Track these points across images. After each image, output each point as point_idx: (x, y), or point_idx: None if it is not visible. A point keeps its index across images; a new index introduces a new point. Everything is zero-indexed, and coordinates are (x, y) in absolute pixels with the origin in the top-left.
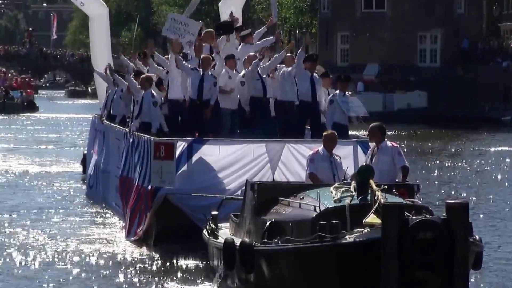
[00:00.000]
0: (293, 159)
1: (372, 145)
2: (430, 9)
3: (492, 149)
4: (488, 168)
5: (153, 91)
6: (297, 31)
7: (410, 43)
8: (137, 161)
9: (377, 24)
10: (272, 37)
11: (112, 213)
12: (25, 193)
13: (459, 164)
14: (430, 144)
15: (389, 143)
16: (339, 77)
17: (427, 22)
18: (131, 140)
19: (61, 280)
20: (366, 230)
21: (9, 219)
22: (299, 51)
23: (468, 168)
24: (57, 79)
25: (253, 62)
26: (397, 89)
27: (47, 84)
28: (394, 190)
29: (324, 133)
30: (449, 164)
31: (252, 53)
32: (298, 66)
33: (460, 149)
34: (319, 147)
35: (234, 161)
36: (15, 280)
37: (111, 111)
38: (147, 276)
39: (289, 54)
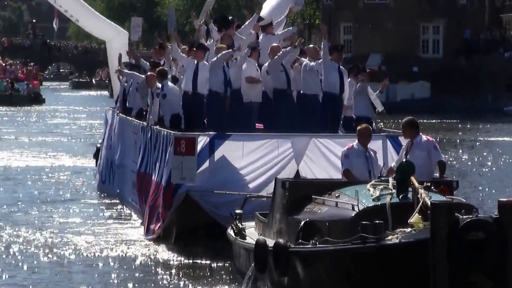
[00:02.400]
0: (320, 154)
1: (402, 139)
2: (433, 0)
3: (495, 139)
4: (493, 159)
5: (169, 83)
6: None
7: (412, 34)
8: (156, 156)
9: (380, 14)
10: (292, 27)
11: (128, 210)
12: (37, 187)
13: (463, 155)
14: (434, 135)
15: (424, 137)
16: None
17: (429, 13)
18: (149, 134)
19: (76, 278)
20: (409, 230)
21: (21, 214)
22: (323, 43)
23: (472, 159)
24: (61, 70)
25: (282, 51)
26: (400, 80)
27: (51, 76)
28: (432, 187)
29: (358, 128)
30: (453, 155)
31: (275, 44)
32: (324, 57)
33: (463, 139)
34: (353, 142)
35: (258, 157)
36: (28, 277)
37: (127, 104)
38: (166, 277)
39: (311, 46)
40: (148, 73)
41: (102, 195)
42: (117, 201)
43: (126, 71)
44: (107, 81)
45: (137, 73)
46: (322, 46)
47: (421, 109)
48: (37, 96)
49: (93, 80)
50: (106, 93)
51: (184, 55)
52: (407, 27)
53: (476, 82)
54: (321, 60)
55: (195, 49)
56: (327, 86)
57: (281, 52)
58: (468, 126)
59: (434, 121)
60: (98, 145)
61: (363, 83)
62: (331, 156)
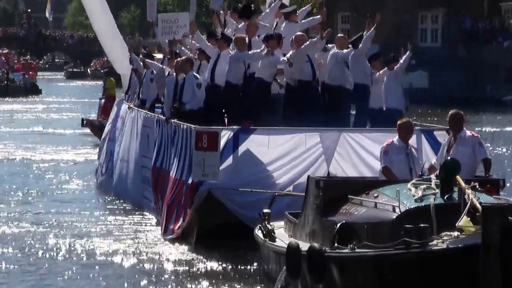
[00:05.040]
0: (351, 150)
1: (437, 133)
2: None
3: (494, 130)
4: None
5: (194, 73)
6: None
7: (411, 23)
8: (174, 151)
9: (378, 4)
10: (318, 16)
11: (141, 208)
12: (37, 181)
13: None
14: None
15: (468, 133)
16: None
17: (428, 2)
18: (166, 127)
19: (88, 283)
20: (456, 234)
21: (22, 211)
22: (368, 33)
23: None
24: (55, 60)
25: (309, 41)
26: None
27: (46, 66)
28: (477, 186)
29: (399, 122)
30: None
31: (300, 33)
32: (364, 48)
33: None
34: (394, 137)
35: (284, 153)
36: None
37: (141, 96)
38: (187, 281)
39: (340, 35)
40: (182, 58)
41: (106, 190)
42: (127, 198)
43: (149, 61)
44: (102, 71)
45: (154, 62)
46: (367, 36)
47: (419, 98)
48: (34, 86)
49: (88, 70)
50: (101, 83)
51: (209, 44)
52: (406, 16)
53: (475, 72)
54: (350, 49)
55: (219, 38)
56: (365, 77)
57: (308, 43)
58: (468, 117)
59: (433, 111)
60: None
61: (396, 73)
62: (362, 153)
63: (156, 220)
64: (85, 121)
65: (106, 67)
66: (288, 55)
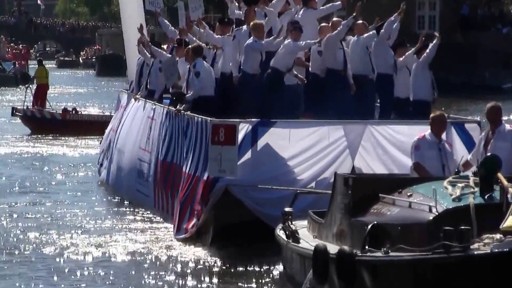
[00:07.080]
0: (376, 144)
1: (469, 126)
2: None
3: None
4: None
5: (204, 62)
6: None
7: (408, 10)
8: (187, 145)
9: None
10: (338, 2)
11: (134, 202)
12: (35, 177)
13: None
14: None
15: (507, 126)
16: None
17: None
18: (178, 120)
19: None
20: (499, 237)
21: (28, 210)
22: (389, 20)
23: None
24: (47, 49)
25: (342, 24)
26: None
27: (37, 55)
28: None
29: (432, 115)
30: None
31: (336, 19)
32: (384, 35)
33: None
34: (426, 131)
35: (307, 147)
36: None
37: (149, 86)
38: (201, 284)
39: (360, 21)
40: (191, 46)
41: (106, 182)
42: (118, 190)
43: (156, 49)
44: (93, 60)
45: (162, 51)
46: (387, 23)
47: None
48: (25, 76)
49: (80, 59)
50: (93, 72)
51: (219, 36)
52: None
53: (474, 59)
54: (370, 33)
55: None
56: (381, 65)
57: (340, 27)
58: (465, 103)
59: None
60: None
61: (424, 62)
62: (388, 146)
63: (160, 217)
64: (14, 110)
65: (97, 55)
66: (310, 43)
